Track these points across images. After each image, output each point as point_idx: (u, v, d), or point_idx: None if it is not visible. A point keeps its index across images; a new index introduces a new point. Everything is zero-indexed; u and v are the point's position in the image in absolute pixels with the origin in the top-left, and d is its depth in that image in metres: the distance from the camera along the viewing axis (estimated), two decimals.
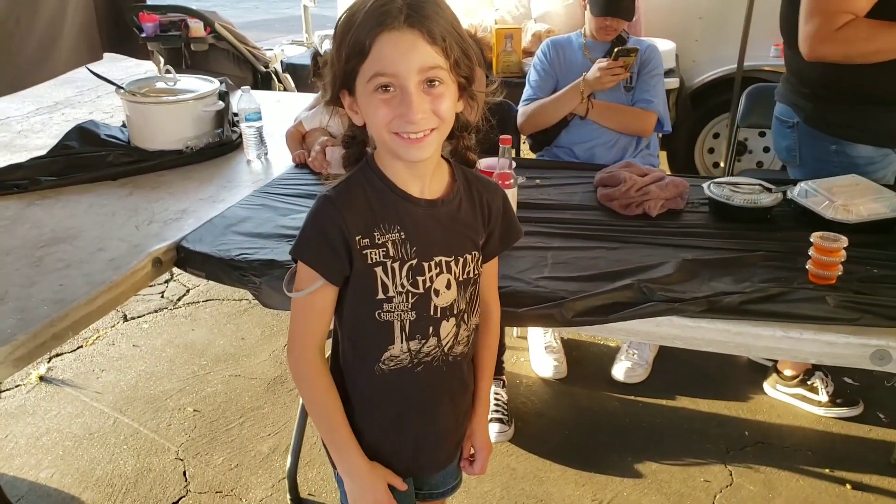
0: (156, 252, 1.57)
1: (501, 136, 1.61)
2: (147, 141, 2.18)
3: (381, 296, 1.03)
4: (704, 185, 1.76)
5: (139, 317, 2.89)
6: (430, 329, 1.07)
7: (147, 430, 2.23)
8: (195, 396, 2.38)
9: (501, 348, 2.30)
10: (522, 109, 2.46)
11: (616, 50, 2.25)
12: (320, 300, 1.04)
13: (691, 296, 1.31)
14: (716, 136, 3.66)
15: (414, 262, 1.03)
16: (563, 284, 1.40)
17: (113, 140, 2.22)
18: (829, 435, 2.15)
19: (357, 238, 1.00)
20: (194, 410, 2.32)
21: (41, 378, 2.50)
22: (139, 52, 3.61)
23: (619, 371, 2.40)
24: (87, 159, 2.08)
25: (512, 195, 1.66)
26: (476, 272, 1.11)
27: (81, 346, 2.69)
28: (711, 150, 3.70)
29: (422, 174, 1.04)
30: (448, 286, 1.06)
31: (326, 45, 3.62)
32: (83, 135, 2.20)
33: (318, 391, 1.08)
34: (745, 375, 2.40)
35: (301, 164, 2.09)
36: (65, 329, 1.33)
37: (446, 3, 0.98)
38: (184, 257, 1.60)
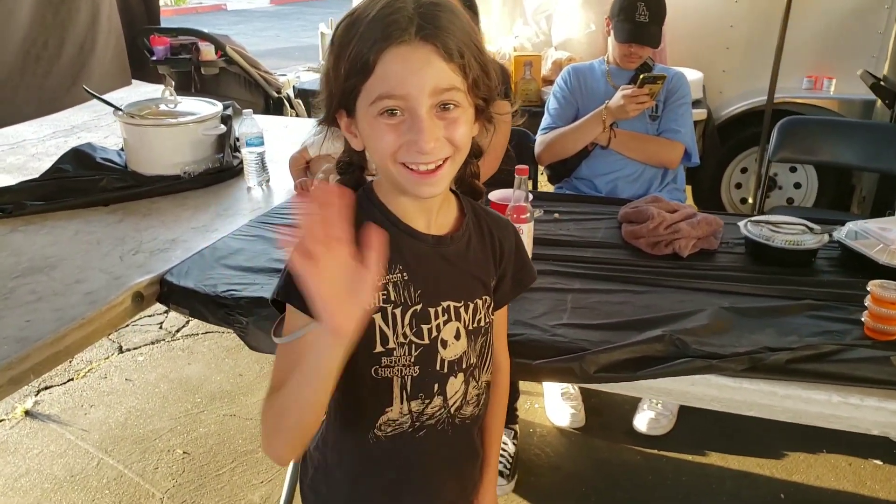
0: (137, 286, 1.44)
1: (517, 167, 1.47)
2: (144, 165, 2.07)
3: (379, 348, 0.87)
4: (741, 224, 1.60)
5: (135, 349, 2.76)
6: (436, 387, 0.91)
7: (132, 474, 2.08)
8: (186, 437, 2.23)
9: (515, 394, 2.13)
10: (541, 138, 2.33)
11: (641, 77, 2.11)
12: None
13: (731, 351, 1.15)
14: (743, 170, 3.50)
15: (418, 307, 0.88)
16: (584, 333, 1.24)
17: (109, 164, 2.10)
18: (876, 501, 1.95)
19: None
20: (184, 452, 2.16)
21: (27, 412, 2.36)
22: (152, 76, 3.55)
23: (642, 422, 2.21)
24: (79, 183, 1.97)
25: (528, 230, 1.51)
26: (487, 320, 0.95)
27: (72, 379, 2.56)
28: (739, 186, 3.54)
29: (429, 207, 0.89)
30: (457, 336, 0.91)
31: None
32: (78, 158, 2.09)
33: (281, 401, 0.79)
34: (779, 430, 2.20)
35: (304, 193, 1.96)
36: (25, 372, 1.20)
37: (462, 10, 0.83)
38: (167, 292, 1.46)
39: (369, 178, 0.96)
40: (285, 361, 0.89)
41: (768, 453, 2.12)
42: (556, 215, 1.82)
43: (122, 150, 2.20)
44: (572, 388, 2.33)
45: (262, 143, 2.04)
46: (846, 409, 1.08)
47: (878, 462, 2.08)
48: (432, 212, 0.90)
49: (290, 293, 0.85)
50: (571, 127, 2.26)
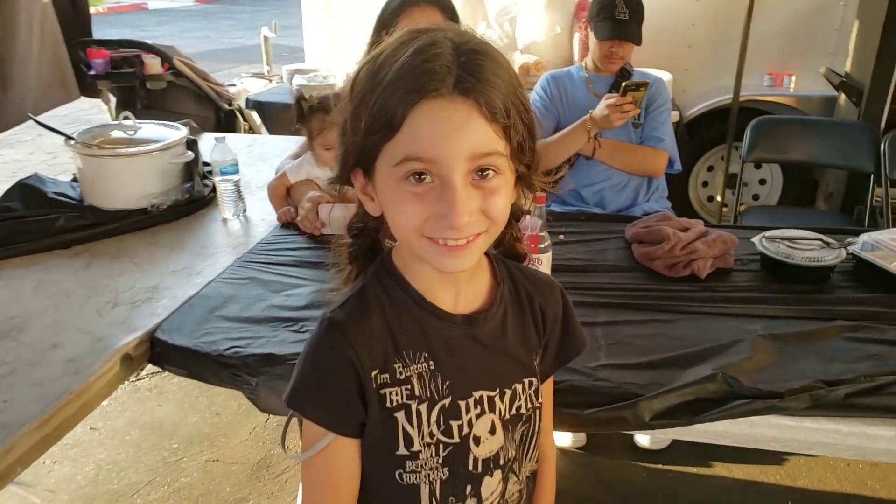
0: (125, 347, 1.28)
1: (535, 195, 1.39)
2: (104, 199, 1.88)
3: (403, 451, 0.78)
4: (755, 240, 1.57)
5: None
6: (469, 488, 0.81)
7: None
8: (168, 489, 2.06)
9: None
10: None
11: (624, 85, 2.06)
12: (340, 457, 0.79)
13: (786, 388, 1.10)
14: (709, 168, 3.53)
15: (447, 401, 0.79)
16: (627, 374, 1.18)
17: (62, 199, 1.90)
18: (878, 501, 1.97)
19: (374, 374, 0.76)
20: None
21: None
22: (89, 91, 3.30)
23: (644, 437, 2.17)
24: (32, 224, 1.76)
25: (546, 261, 1.44)
26: (529, 405, 0.85)
27: None
28: (705, 184, 3.57)
29: (456, 280, 0.80)
30: (492, 430, 0.81)
31: (298, 81, 3.36)
32: (26, 194, 1.88)
33: None
34: None
35: (288, 223, 1.83)
36: (12, 465, 1.04)
37: (504, 58, 0.72)
38: (160, 352, 1.31)
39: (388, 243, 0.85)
40: (316, 484, 0.81)
41: (769, 459, 2.12)
42: (562, 237, 1.75)
43: (74, 181, 2.01)
44: None
45: (237, 171, 1.89)
46: None
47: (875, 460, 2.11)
48: (460, 285, 0.80)
49: (302, 401, 0.78)
50: (554, 138, 2.20)
